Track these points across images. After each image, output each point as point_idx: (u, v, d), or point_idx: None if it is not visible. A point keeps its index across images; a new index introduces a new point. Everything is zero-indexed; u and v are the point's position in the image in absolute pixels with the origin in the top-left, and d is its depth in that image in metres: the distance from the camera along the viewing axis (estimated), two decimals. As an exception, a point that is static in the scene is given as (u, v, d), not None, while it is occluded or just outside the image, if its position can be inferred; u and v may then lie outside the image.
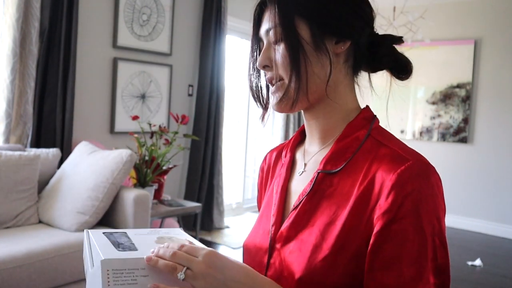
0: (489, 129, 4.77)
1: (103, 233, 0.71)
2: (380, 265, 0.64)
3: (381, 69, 0.78)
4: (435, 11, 4.96)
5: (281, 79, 0.75)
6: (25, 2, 2.81)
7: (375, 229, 0.65)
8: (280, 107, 0.76)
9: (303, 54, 0.72)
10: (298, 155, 0.85)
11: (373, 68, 0.79)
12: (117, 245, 0.66)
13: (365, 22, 0.75)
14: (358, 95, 0.80)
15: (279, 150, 0.92)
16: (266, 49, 0.76)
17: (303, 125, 0.85)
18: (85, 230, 0.71)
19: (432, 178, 0.65)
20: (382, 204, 0.65)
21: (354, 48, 0.75)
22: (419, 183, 0.64)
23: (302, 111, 0.81)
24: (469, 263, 3.73)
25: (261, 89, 0.83)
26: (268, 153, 0.95)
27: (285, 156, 0.87)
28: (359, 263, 0.66)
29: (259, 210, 0.94)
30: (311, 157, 0.80)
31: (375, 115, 0.78)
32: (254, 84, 0.83)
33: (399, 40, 0.76)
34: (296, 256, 0.71)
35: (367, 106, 0.79)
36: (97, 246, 0.64)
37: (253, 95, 0.84)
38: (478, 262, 3.72)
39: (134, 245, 0.67)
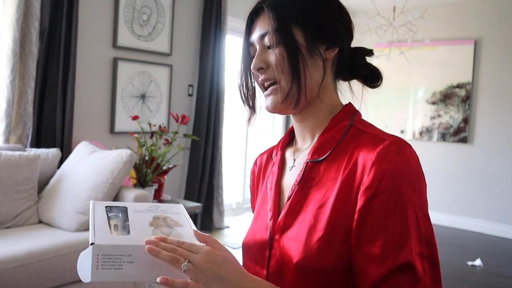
0: (489, 129, 4.77)
1: (106, 206, 0.77)
2: (365, 238, 0.68)
3: (356, 78, 0.85)
4: (435, 11, 4.96)
5: (275, 82, 0.79)
6: (25, 2, 2.81)
7: (358, 205, 0.70)
8: (276, 108, 0.81)
9: (301, 57, 0.77)
10: (288, 154, 0.90)
11: (350, 76, 0.86)
12: (112, 226, 0.71)
13: (349, 33, 0.82)
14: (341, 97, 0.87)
15: (269, 153, 0.97)
16: (261, 53, 0.80)
17: (292, 126, 0.91)
18: (91, 201, 0.77)
19: (408, 153, 0.70)
20: (365, 181, 0.70)
21: (338, 56, 0.82)
22: (396, 158, 0.69)
23: (291, 115, 0.85)
24: (469, 263, 3.73)
25: (251, 91, 0.86)
26: (258, 156, 1.00)
27: (276, 155, 0.91)
28: (350, 242, 0.70)
29: (253, 212, 0.97)
30: (300, 153, 0.85)
31: (357, 110, 0.84)
32: (244, 86, 0.86)
33: (370, 52, 0.85)
34: (293, 242, 0.75)
35: (350, 103, 0.85)
36: (95, 225, 0.69)
37: (242, 97, 0.87)
38: (478, 262, 3.72)
39: (128, 225, 0.72)
